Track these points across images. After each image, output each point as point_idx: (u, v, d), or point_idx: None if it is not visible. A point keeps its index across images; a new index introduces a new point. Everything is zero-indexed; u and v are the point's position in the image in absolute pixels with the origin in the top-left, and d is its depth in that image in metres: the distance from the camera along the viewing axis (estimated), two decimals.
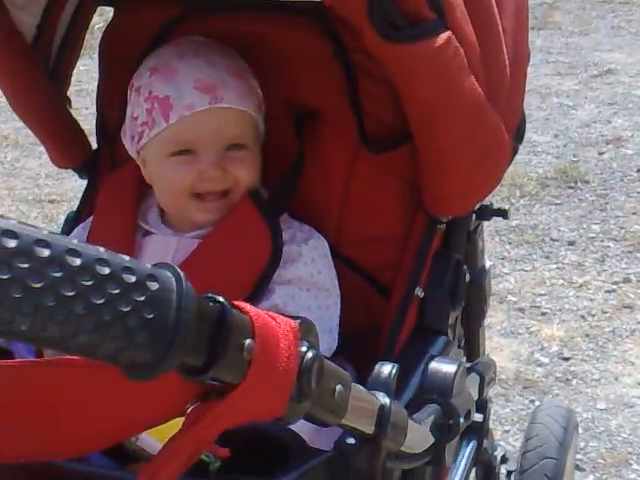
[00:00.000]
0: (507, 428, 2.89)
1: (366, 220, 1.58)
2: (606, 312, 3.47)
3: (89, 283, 0.59)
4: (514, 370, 3.15)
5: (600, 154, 4.75)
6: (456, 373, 1.21)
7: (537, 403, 2.97)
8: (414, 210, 1.54)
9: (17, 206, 4.45)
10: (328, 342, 1.44)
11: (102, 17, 2.02)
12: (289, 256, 1.46)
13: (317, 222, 1.55)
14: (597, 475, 2.67)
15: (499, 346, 3.29)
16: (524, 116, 1.51)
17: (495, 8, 1.36)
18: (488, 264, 1.72)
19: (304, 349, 0.75)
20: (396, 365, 1.02)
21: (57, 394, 0.81)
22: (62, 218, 4.35)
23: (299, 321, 0.75)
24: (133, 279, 0.61)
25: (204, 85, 1.43)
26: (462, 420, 1.20)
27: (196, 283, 1.41)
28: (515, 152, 1.49)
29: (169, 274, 0.65)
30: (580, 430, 2.71)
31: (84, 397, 0.80)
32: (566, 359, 3.20)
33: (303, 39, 1.57)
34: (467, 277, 1.54)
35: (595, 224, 4.12)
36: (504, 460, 2.18)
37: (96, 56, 1.76)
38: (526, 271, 3.79)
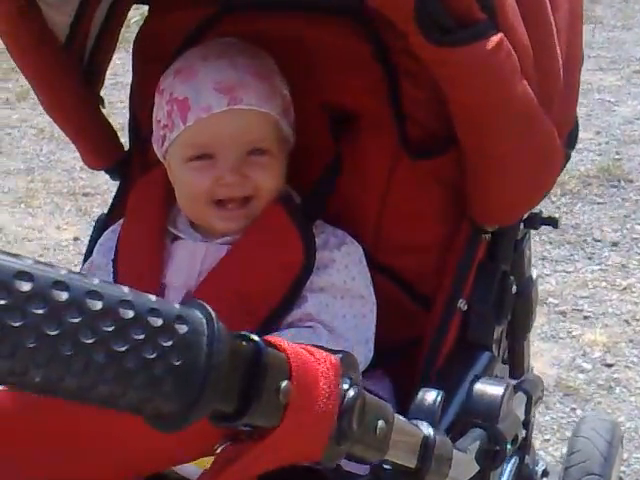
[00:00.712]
0: (547, 437, 2.81)
1: (405, 227, 1.51)
2: None
3: (111, 329, 0.53)
4: (555, 376, 3.06)
5: None
6: (503, 396, 1.13)
7: (578, 411, 2.89)
8: (457, 217, 1.47)
9: (52, 199, 4.44)
10: (364, 353, 1.38)
11: (138, 11, 1.96)
12: (322, 262, 1.39)
13: (354, 228, 1.48)
14: None
15: (539, 351, 3.20)
16: (577, 121, 1.42)
17: (549, 7, 1.28)
18: (535, 274, 1.64)
19: (345, 387, 0.68)
20: (441, 392, 0.95)
21: (76, 425, 0.75)
22: (96, 212, 4.38)
23: (340, 356, 0.68)
24: (160, 322, 0.55)
25: (223, 86, 1.36)
26: (509, 446, 1.13)
27: (225, 291, 1.38)
28: (568, 159, 1.41)
29: (199, 314, 0.58)
30: (623, 441, 2.62)
31: (103, 429, 0.74)
32: (609, 365, 3.11)
33: (342, 39, 1.49)
34: (514, 289, 1.46)
35: (639, 224, 4.01)
36: (545, 474, 2.10)
37: (132, 49, 1.70)
38: (567, 272, 3.69)
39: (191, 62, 1.42)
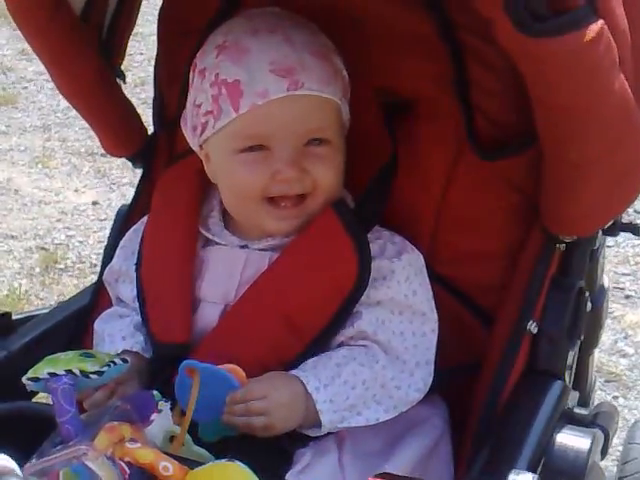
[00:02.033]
0: None
1: (466, 233, 1.35)
2: None
3: None
4: (596, 361, 2.90)
5: None
6: (590, 450, 0.98)
7: (621, 400, 2.76)
8: (527, 225, 1.31)
9: (69, 159, 4.30)
10: (423, 378, 1.24)
11: None
12: (379, 273, 1.23)
13: (408, 232, 1.32)
14: None
15: None
16: None
17: None
18: (606, 282, 1.47)
19: None
20: (535, 476, 0.79)
21: None
22: (115, 174, 4.25)
23: None
24: None
25: (281, 68, 1.19)
26: None
27: (268, 310, 1.22)
28: None
29: None
30: None
31: None
32: None
33: (400, 14, 1.31)
34: (589, 306, 1.30)
35: None
36: None
37: (157, 17, 1.52)
38: (607, 247, 3.51)
39: (237, 36, 1.23)
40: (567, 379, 1.26)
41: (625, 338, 3.03)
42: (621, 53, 1.04)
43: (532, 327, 1.23)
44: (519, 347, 1.23)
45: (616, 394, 2.80)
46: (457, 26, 1.28)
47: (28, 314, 1.47)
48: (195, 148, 1.31)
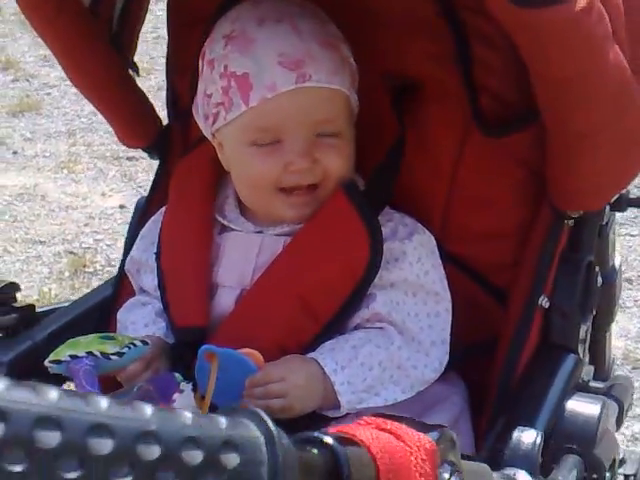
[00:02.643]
0: None
1: (477, 212, 1.36)
2: None
3: (129, 478, 0.37)
4: (622, 349, 2.91)
5: None
6: (600, 416, 0.99)
7: None
8: (537, 202, 1.31)
9: (95, 163, 4.33)
10: (439, 357, 1.24)
11: None
12: (391, 255, 1.24)
13: (419, 214, 1.33)
14: None
15: None
16: None
17: None
18: (619, 260, 1.48)
19: (446, 476, 0.53)
20: (540, 433, 0.81)
21: None
22: (141, 177, 4.27)
23: (436, 436, 0.53)
24: (199, 457, 0.40)
25: (289, 60, 1.20)
26: (608, 474, 0.98)
27: (283, 293, 1.24)
28: None
29: (254, 432, 0.43)
30: None
31: None
32: None
33: None
34: (599, 281, 1.31)
35: None
36: (622, 462, 1.96)
37: (166, 8, 1.54)
38: (632, 236, 3.52)
39: (244, 26, 1.24)
40: (581, 352, 1.27)
41: None
42: (614, 25, 1.05)
43: (544, 302, 1.24)
44: (531, 322, 1.24)
45: None
46: (459, 6, 1.29)
47: (51, 307, 1.49)
48: (208, 136, 1.33)
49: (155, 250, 1.35)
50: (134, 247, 1.43)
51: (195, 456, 0.40)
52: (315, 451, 0.48)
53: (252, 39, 1.22)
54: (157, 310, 1.33)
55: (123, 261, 1.47)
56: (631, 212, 3.65)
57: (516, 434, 0.81)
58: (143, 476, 0.38)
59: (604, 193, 1.28)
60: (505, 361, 1.23)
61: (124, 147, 1.64)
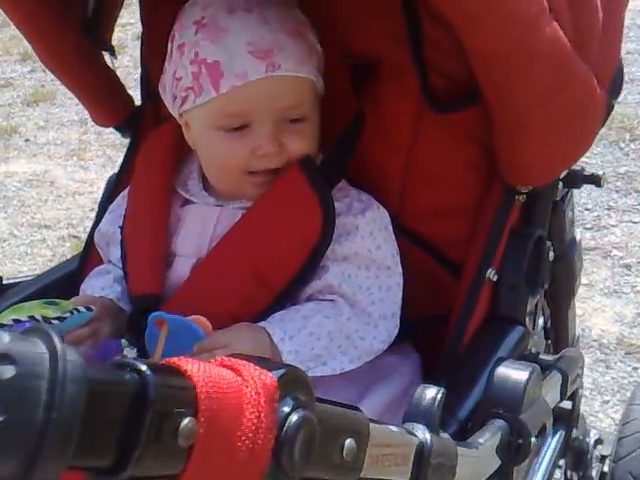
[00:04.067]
0: (607, 398, 2.67)
1: (432, 188, 1.38)
2: None
3: None
4: (617, 334, 2.91)
5: None
6: (528, 382, 1.01)
7: None
8: (489, 178, 1.34)
9: (104, 151, 4.39)
10: (388, 329, 1.27)
11: None
12: (344, 229, 1.28)
13: (377, 190, 1.36)
14: None
15: (601, 307, 3.05)
16: (621, 66, 1.27)
17: None
18: (579, 236, 1.49)
19: (286, 410, 0.56)
20: (441, 390, 0.83)
21: None
22: None
23: (281, 372, 0.56)
24: None
25: (259, 49, 1.23)
26: (534, 439, 1.01)
27: (237, 262, 1.27)
28: (611, 109, 1.26)
29: (39, 349, 0.46)
30: None
31: None
32: None
33: None
34: (551, 255, 1.33)
35: None
36: (598, 442, 1.98)
37: None
38: (634, 223, 3.51)
39: (215, 14, 1.27)
40: (529, 325, 1.30)
41: None
42: (552, 3, 1.06)
43: (492, 275, 1.27)
44: (479, 294, 1.27)
45: (636, 365, 2.79)
46: None
47: (18, 280, 1.52)
48: (175, 115, 1.36)
49: (121, 223, 1.39)
50: (103, 220, 1.47)
51: None
52: (125, 375, 0.50)
53: (223, 28, 1.25)
54: (117, 277, 1.37)
55: (90, 234, 1.51)
56: (634, 200, 3.65)
57: (418, 391, 0.83)
58: None
59: (550, 168, 1.30)
60: (453, 332, 1.26)
61: (116, 131, 1.68)
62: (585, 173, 1.40)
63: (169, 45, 1.34)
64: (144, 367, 0.50)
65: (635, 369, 2.77)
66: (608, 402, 2.65)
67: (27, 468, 0.43)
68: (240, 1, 1.28)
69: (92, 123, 4.89)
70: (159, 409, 0.50)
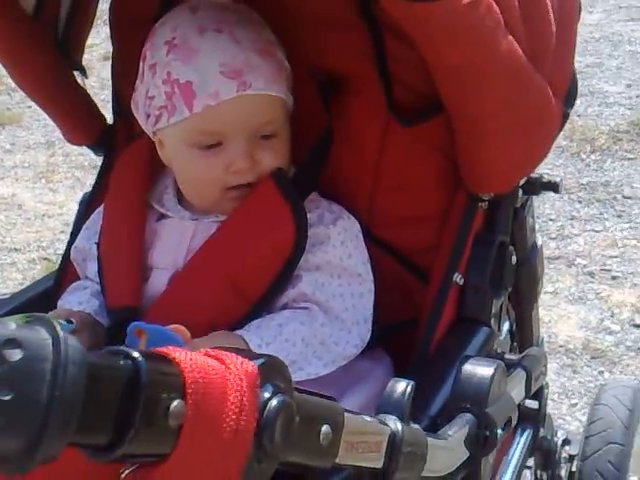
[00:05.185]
0: (574, 401, 2.73)
1: (400, 198, 1.43)
2: None
3: None
4: (582, 339, 2.99)
5: None
6: (493, 377, 1.06)
7: (606, 375, 2.82)
8: (454, 187, 1.39)
9: (73, 173, 4.41)
10: (360, 334, 1.32)
11: None
12: (317, 239, 1.32)
13: (347, 200, 1.41)
14: None
15: (566, 313, 3.12)
16: (575, 77, 1.33)
17: None
18: (540, 241, 1.55)
19: (266, 396, 0.61)
20: (411, 383, 0.88)
21: None
22: None
23: (261, 361, 0.61)
24: None
25: (230, 69, 1.28)
26: (500, 431, 1.06)
27: (213, 273, 1.31)
28: (566, 118, 1.32)
29: (43, 335, 0.50)
30: None
31: None
32: (638, 326, 3.03)
33: None
34: (513, 260, 1.38)
35: None
36: (566, 442, 2.03)
37: (108, 16, 1.61)
38: (596, 232, 3.59)
39: (185, 34, 1.31)
40: (494, 326, 1.35)
41: (611, 316, 3.10)
42: (507, 17, 1.12)
43: (458, 279, 1.32)
44: (446, 297, 1.32)
45: (602, 369, 2.86)
46: (375, 8, 1.35)
47: None
48: (149, 133, 1.40)
49: (97, 239, 1.43)
50: (79, 237, 1.50)
51: None
52: (119, 360, 0.55)
53: (195, 49, 1.29)
54: (94, 292, 1.41)
55: (66, 251, 1.55)
56: (596, 209, 3.74)
57: (389, 385, 0.88)
58: None
59: (509, 177, 1.36)
60: (423, 335, 1.31)
61: (89, 149, 1.71)
62: (544, 180, 1.46)
63: (141, 64, 1.37)
64: (137, 354, 0.54)
65: (601, 373, 2.84)
66: (576, 405, 2.72)
67: (33, 444, 0.48)
68: (210, 21, 1.32)
69: (60, 145, 4.90)
70: (151, 392, 0.54)
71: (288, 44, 1.39)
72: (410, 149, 1.41)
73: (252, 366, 0.59)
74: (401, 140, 1.41)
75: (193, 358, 0.57)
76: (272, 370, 0.61)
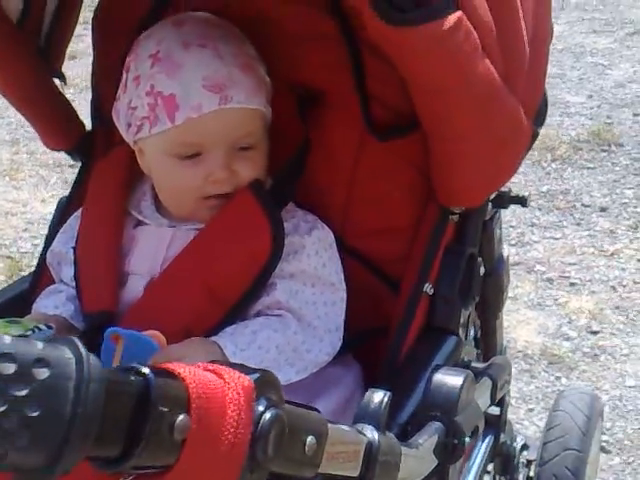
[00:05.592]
0: (531, 406, 2.79)
1: (373, 209, 1.48)
2: (638, 283, 3.35)
3: None
4: (540, 345, 3.05)
5: (635, 115, 4.59)
6: (462, 387, 1.11)
7: (563, 380, 2.88)
8: (426, 200, 1.44)
9: (37, 171, 4.39)
10: (332, 342, 1.35)
11: None
12: (292, 248, 1.36)
13: (322, 211, 1.45)
14: (623, 458, 2.56)
15: (526, 319, 3.19)
16: (546, 97, 1.38)
17: None
18: (506, 253, 1.61)
19: (261, 409, 0.64)
20: (388, 393, 0.92)
21: None
22: None
23: (256, 376, 0.64)
24: (12, 369, 0.51)
25: (213, 84, 1.31)
26: (468, 439, 1.10)
27: (190, 279, 1.34)
28: (535, 137, 1.37)
29: (67, 354, 0.54)
30: (607, 409, 2.61)
31: None
32: (594, 333, 3.09)
33: (305, 14, 1.44)
34: (481, 271, 1.43)
35: (629, 189, 3.97)
36: (524, 448, 2.09)
37: (91, 24, 1.64)
38: (556, 239, 3.67)
39: (169, 49, 1.34)
40: (462, 335, 1.40)
41: (569, 323, 3.16)
42: (484, 41, 1.16)
43: (428, 289, 1.37)
44: (417, 307, 1.36)
45: (559, 374, 2.93)
46: (354, 24, 1.41)
47: None
48: (129, 142, 1.43)
49: (73, 244, 1.45)
50: (55, 241, 1.52)
51: (8, 367, 0.51)
52: (131, 377, 0.58)
53: (179, 64, 1.33)
54: (69, 296, 1.43)
55: (42, 255, 1.57)
56: (555, 217, 3.82)
57: (367, 395, 0.92)
58: None
59: (480, 192, 1.41)
60: (392, 343, 1.35)
61: (67, 155, 1.73)
62: (512, 194, 1.51)
63: (124, 75, 1.40)
64: (147, 370, 0.58)
65: (558, 378, 2.90)
66: (533, 410, 2.78)
67: (55, 458, 0.51)
68: (194, 36, 1.35)
69: (24, 143, 4.87)
70: (159, 407, 0.58)
71: (268, 58, 1.42)
72: (384, 163, 1.45)
73: (248, 381, 0.62)
74: (376, 154, 1.45)
75: (196, 373, 0.60)
76: (266, 384, 0.65)
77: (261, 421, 0.64)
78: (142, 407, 0.57)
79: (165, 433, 0.58)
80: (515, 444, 1.98)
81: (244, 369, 0.64)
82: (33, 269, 3.29)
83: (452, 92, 1.19)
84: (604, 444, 2.56)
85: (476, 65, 1.16)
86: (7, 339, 0.51)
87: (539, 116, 1.36)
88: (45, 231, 3.83)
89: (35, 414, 0.51)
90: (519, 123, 1.29)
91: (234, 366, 0.64)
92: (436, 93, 1.20)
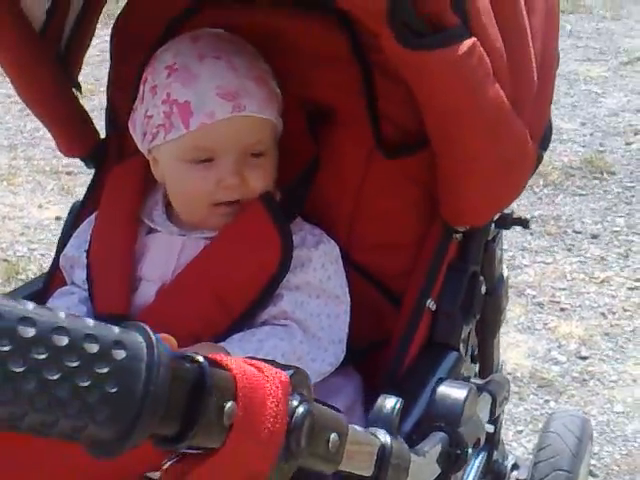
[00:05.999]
0: (520, 428, 2.82)
1: (378, 225, 1.51)
2: (627, 310, 3.39)
3: (43, 357, 0.52)
4: (529, 368, 3.08)
5: (627, 144, 4.64)
6: (466, 399, 1.14)
7: (552, 403, 2.91)
8: (430, 217, 1.48)
9: (34, 177, 4.41)
10: (335, 353, 1.39)
11: None
12: (299, 261, 1.39)
13: (328, 225, 1.49)
14: None
15: (515, 342, 3.22)
16: (551, 122, 1.43)
17: (524, 9, 1.28)
18: (506, 272, 1.65)
19: (295, 403, 0.68)
20: (400, 400, 0.96)
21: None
22: (78, 191, 4.35)
23: (291, 372, 0.69)
24: (95, 349, 0.55)
25: (226, 92, 1.36)
26: (470, 450, 1.14)
27: (200, 287, 1.38)
28: (540, 160, 1.41)
29: (139, 339, 0.59)
30: (595, 434, 2.64)
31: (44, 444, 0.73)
32: (584, 358, 3.12)
33: (319, 34, 1.49)
34: (483, 289, 1.47)
35: (620, 217, 4.02)
36: (515, 467, 2.12)
37: (110, 35, 1.69)
38: (546, 264, 3.70)
39: (186, 61, 1.40)
40: (462, 351, 1.43)
41: (558, 347, 3.20)
42: (495, 66, 1.21)
43: (431, 305, 1.41)
44: (420, 322, 1.40)
45: (548, 398, 2.96)
46: (366, 46, 1.46)
47: None
48: (144, 152, 1.47)
49: (86, 248, 1.49)
50: (68, 245, 1.56)
51: (93, 347, 0.55)
52: (187, 364, 0.63)
53: (194, 74, 1.38)
54: (81, 298, 1.46)
55: (56, 258, 1.60)
56: (547, 242, 3.86)
57: (379, 401, 0.96)
58: (55, 357, 0.53)
59: (485, 212, 1.45)
60: (395, 355, 1.39)
61: (64, 162, 1.78)
62: (514, 216, 1.56)
63: (141, 87, 1.45)
64: (201, 359, 0.62)
65: (547, 401, 2.93)
66: (521, 432, 2.81)
67: (128, 432, 0.56)
68: (209, 49, 1.41)
69: (22, 149, 4.90)
70: (212, 393, 0.62)
71: (280, 75, 1.47)
72: (392, 180, 1.49)
73: (285, 376, 0.67)
74: (383, 171, 1.49)
75: (241, 366, 0.65)
76: (299, 381, 0.69)
77: (295, 414, 0.68)
78: (197, 392, 0.62)
79: (216, 417, 0.63)
80: (506, 463, 2.01)
81: (280, 365, 0.68)
82: (29, 272, 3.32)
83: (464, 114, 1.23)
84: (592, 468, 2.59)
85: (487, 89, 1.21)
86: (90, 322, 0.55)
87: (544, 140, 1.40)
88: (41, 236, 3.88)
89: (113, 390, 0.55)
90: (525, 146, 1.34)
91: (271, 362, 0.68)
92: (449, 114, 1.24)
